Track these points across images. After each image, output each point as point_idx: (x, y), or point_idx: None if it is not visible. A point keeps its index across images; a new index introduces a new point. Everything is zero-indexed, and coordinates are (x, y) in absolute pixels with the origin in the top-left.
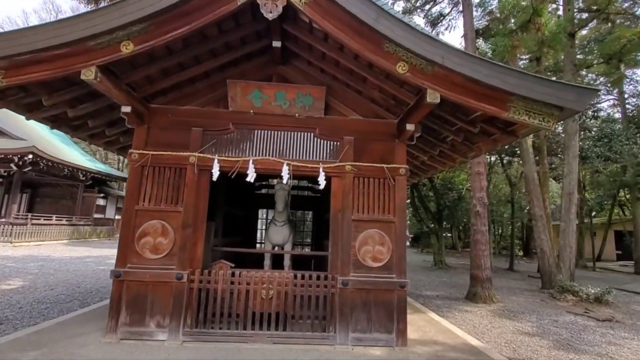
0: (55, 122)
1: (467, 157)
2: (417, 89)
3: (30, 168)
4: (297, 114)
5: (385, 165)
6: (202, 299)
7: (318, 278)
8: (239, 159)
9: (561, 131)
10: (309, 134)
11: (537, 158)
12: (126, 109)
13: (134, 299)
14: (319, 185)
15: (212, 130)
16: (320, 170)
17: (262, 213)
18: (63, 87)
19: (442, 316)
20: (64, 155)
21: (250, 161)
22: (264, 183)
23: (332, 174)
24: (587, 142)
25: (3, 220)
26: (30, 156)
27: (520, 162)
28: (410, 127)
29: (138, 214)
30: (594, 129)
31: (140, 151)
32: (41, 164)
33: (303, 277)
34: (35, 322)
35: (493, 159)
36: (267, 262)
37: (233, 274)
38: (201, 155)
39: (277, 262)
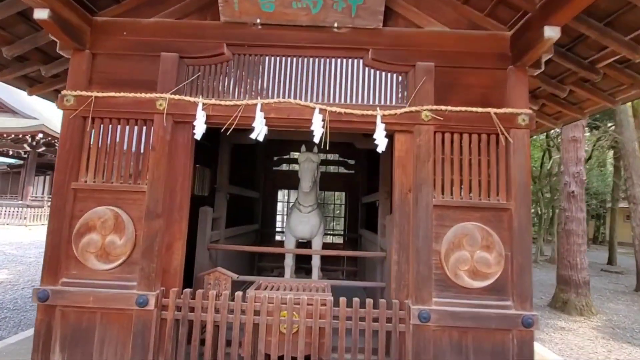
0: None
1: (613, 102)
2: None
3: (44, 149)
4: (335, 24)
5: (492, 110)
6: (182, 337)
7: (376, 306)
8: (239, 103)
9: None
10: (356, 60)
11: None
12: (41, 13)
13: (72, 335)
14: (376, 145)
15: (193, 57)
16: (378, 120)
17: (282, 194)
18: None
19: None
20: None
21: (258, 107)
22: (284, 157)
23: (396, 127)
24: None
25: (20, 202)
26: (41, 135)
27: (593, 129)
28: (551, 33)
29: (77, 197)
30: None
31: (79, 93)
32: (55, 144)
33: (350, 302)
34: None
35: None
36: (288, 261)
37: (233, 294)
38: (176, 97)
39: (301, 260)
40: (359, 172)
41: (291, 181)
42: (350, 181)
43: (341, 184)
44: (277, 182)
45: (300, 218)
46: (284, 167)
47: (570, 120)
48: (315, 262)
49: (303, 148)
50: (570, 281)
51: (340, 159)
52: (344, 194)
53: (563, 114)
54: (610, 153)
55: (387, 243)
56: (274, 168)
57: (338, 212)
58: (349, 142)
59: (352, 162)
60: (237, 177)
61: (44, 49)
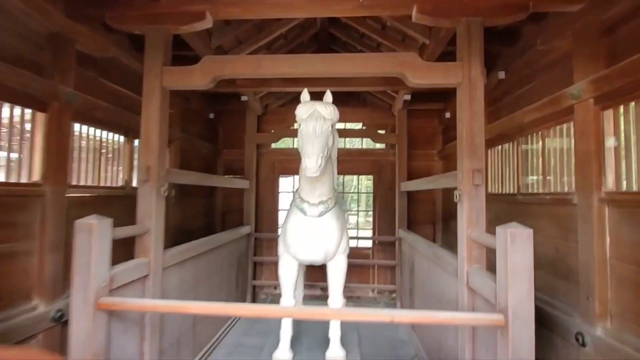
0: None
1: None
2: None
3: None
4: None
5: None
6: None
7: None
8: None
9: None
10: None
11: None
12: None
13: None
14: None
15: None
16: None
17: (285, 183)
18: None
19: None
20: None
21: None
22: (290, 128)
23: None
24: None
25: None
26: None
27: None
28: None
29: None
30: None
31: None
32: None
33: None
34: None
35: None
36: (285, 327)
37: None
38: None
39: (312, 272)
40: (395, 146)
41: (298, 164)
42: (380, 159)
43: (366, 164)
44: (277, 166)
45: (305, 225)
46: (289, 144)
47: None
48: (335, 331)
49: (305, 95)
50: None
51: (363, 125)
52: (370, 178)
53: None
54: None
55: (501, 290)
56: (273, 146)
57: (361, 204)
58: (395, 76)
59: (382, 131)
60: (198, 157)
61: None
